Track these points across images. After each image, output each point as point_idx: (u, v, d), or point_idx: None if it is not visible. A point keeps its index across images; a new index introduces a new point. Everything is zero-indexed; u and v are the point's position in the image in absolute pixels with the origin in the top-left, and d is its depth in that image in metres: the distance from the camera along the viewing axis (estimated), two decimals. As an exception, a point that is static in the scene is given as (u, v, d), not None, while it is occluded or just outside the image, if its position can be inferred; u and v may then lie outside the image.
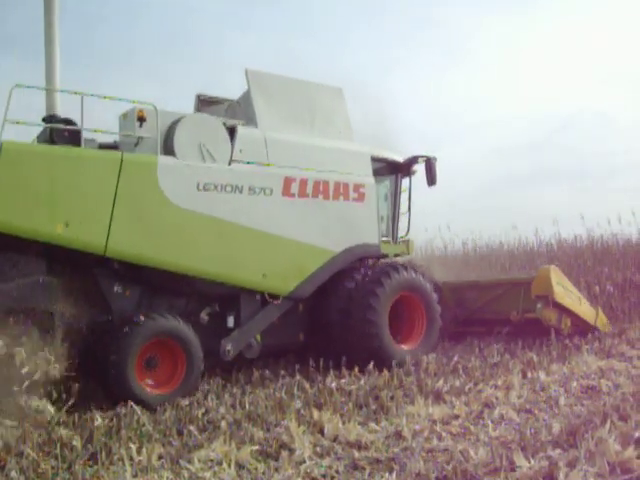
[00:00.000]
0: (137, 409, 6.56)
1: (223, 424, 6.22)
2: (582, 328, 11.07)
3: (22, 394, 6.33)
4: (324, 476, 5.02)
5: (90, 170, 7.97)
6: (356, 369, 8.72)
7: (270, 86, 10.13)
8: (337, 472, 5.09)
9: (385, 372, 8.49)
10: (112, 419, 6.32)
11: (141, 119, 8.54)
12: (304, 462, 5.28)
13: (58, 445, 5.53)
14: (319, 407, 6.76)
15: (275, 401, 7.05)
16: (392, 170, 11.60)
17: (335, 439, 5.86)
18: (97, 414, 6.57)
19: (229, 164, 9.06)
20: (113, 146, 8.87)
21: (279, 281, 9.40)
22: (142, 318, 7.82)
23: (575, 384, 7.67)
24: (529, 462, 4.81)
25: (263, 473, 5.11)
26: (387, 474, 4.90)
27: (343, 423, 6.17)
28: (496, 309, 11.51)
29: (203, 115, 9.41)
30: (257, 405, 6.92)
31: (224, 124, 9.23)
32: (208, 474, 5.06)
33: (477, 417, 6.45)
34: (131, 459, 5.33)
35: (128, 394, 7.35)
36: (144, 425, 6.16)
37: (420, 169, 11.66)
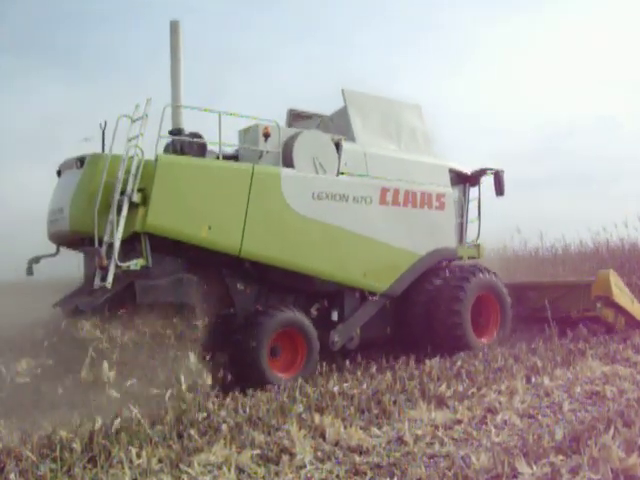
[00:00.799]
0: (137, 412, 6.52)
1: (224, 427, 6.17)
2: (633, 325, 12.32)
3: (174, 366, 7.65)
4: (324, 481, 4.99)
5: (228, 180, 9.13)
6: (359, 373, 8.68)
7: (364, 104, 11.36)
8: (338, 477, 5.06)
9: (388, 376, 8.46)
10: (112, 422, 6.28)
11: (266, 135, 9.71)
12: (305, 467, 5.26)
13: (58, 448, 5.48)
14: (321, 411, 6.72)
15: (277, 405, 7.00)
16: (461, 181, 12.82)
17: (336, 444, 5.82)
18: (98, 417, 6.54)
19: (337, 175, 10.25)
20: (234, 156, 10.16)
21: (376, 280, 10.59)
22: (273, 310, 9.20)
23: (579, 389, 7.62)
24: (531, 468, 4.78)
25: (263, 477, 5.09)
26: (388, 479, 4.86)
27: (345, 427, 6.13)
28: (557, 307, 12.41)
29: (316, 131, 10.59)
30: (258, 409, 6.87)
31: (332, 139, 10.38)
32: (208, 478, 5.05)
33: (480, 422, 6.40)
34: (131, 462, 5.30)
35: (261, 377, 8.57)
36: (144, 428, 6.12)
37: (485, 180, 13.00)
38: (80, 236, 8.69)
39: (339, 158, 10.31)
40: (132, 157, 8.37)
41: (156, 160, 8.50)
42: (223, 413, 6.74)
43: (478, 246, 13.02)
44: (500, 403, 7.00)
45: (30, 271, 9.78)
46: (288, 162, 9.75)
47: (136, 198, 8.26)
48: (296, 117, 11.81)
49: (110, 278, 7.89)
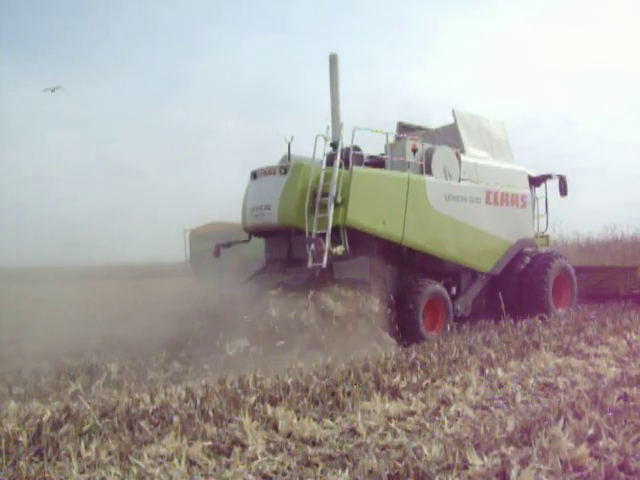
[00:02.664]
0: (86, 403, 6.41)
1: (175, 419, 6.08)
2: None
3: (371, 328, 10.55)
4: (276, 473, 4.94)
5: (394, 185, 11.95)
6: (314, 364, 8.64)
7: (469, 122, 14.35)
8: (289, 468, 5.01)
9: (343, 368, 8.44)
10: (60, 414, 6.17)
11: (414, 150, 12.57)
12: (256, 458, 5.20)
13: (3, 441, 5.35)
14: (274, 403, 6.66)
15: (230, 396, 6.93)
16: (531, 183, 15.71)
17: (289, 435, 5.78)
18: (46, 408, 6.44)
19: (459, 181, 13.19)
20: (381, 163, 12.73)
21: (483, 262, 13.75)
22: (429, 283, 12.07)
23: (532, 381, 7.66)
24: (482, 459, 4.78)
25: (214, 469, 5.01)
26: (340, 471, 4.82)
27: (298, 419, 6.09)
28: (608, 286, 16.31)
29: (445, 147, 13.20)
30: (211, 400, 6.79)
31: (455, 153, 13.27)
32: (157, 470, 4.95)
33: (433, 414, 6.40)
34: (79, 455, 5.19)
35: (418, 333, 11.39)
36: (93, 420, 6.01)
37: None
38: (286, 228, 11.52)
39: (460, 167, 13.22)
40: (334, 169, 11.07)
41: (351, 172, 11.19)
42: (175, 404, 6.64)
43: (547, 236, 16.29)
44: (454, 394, 7.02)
45: (218, 253, 13.07)
46: (428, 171, 12.59)
47: (339, 200, 10.92)
48: (403, 129, 14.38)
49: (325, 260, 10.58)
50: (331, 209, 10.83)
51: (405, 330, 11.31)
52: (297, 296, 10.53)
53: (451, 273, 13.24)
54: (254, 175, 12.10)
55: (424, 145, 12.84)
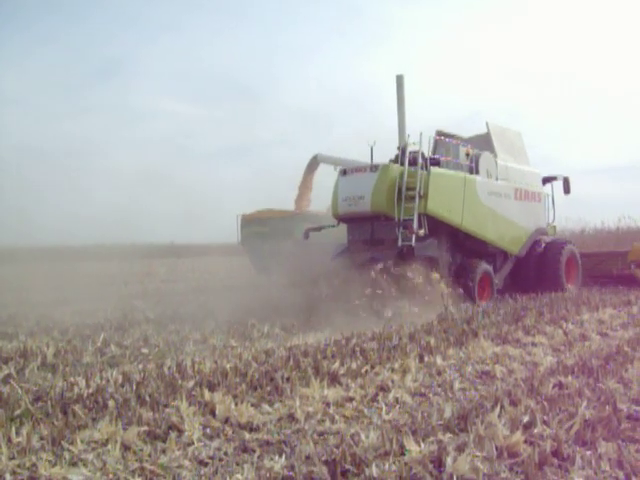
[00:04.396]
0: (17, 387, 6.25)
1: (110, 403, 5.97)
2: None
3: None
4: (212, 458, 4.86)
5: (456, 182, 15.03)
6: (253, 349, 8.59)
7: (499, 132, 17.47)
8: (226, 454, 4.95)
9: (282, 353, 8.41)
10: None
11: (467, 154, 15.91)
12: (192, 444, 5.13)
13: None
14: (212, 388, 6.59)
15: (167, 381, 6.84)
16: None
17: (226, 421, 5.71)
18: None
19: (497, 180, 16.46)
20: (437, 162, 14.87)
21: (513, 245, 17.01)
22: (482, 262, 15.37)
23: (470, 369, 7.72)
24: (419, 446, 4.78)
25: (149, 455, 4.91)
26: (276, 457, 4.79)
27: (235, 404, 6.02)
28: (603, 268, 19.77)
29: (487, 153, 16.29)
30: (147, 384, 6.69)
31: (492, 158, 16.41)
32: (91, 456, 4.84)
33: (372, 400, 6.39)
34: (9, 440, 5.04)
35: (475, 301, 14.38)
36: (25, 404, 5.86)
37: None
38: (376, 214, 14.46)
39: (497, 169, 16.49)
40: (417, 170, 13.98)
41: (429, 172, 14.24)
42: (110, 389, 6.52)
43: (554, 226, 19.59)
44: (393, 381, 7.02)
45: (307, 236, 16.24)
46: (476, 171, 15.77)
47: (422, 193, 13.90)
48: (441, 135, 16.22)
49: (414, 240, 13.64)
50: (416, 201, 13.77)
51: (464, 298, 14.23)
52: (402, 266, 13.69)
53: (491, 254, 16.32)
54: (344, 172, 15.19)
55: (473, 150, 16.08)
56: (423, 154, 14.24)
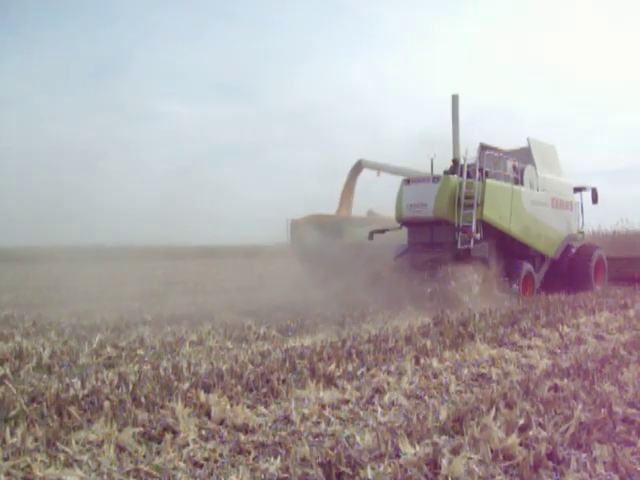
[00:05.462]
0: (12, 388, 6.24)
1: (106, 405, 5.97)
2: None
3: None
4: (207, 460, 4.87)
5: (505, 192, 16.77)
6: (249, 352, 8.57)
7: (538, 147, 19.18)
8: (221, 456, 4.95)
9: (278, 355, 8.41)
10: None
11: (514, 167, 17.53)
12: (188, 445, 5.13)
13: None
14: (208, 389, 6.59)
15: (163, 382, 6.83)
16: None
17: (222, 422, 5.71)
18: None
19: (537, 191, 18.30)
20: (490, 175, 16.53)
21: (550, 249, 18.75)
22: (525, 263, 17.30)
23: (466, 371, 7.73)
24: (414, 448, 4.79)
25: (144, 456, 4.92)
26: (272, 458, 4.79)
27: (231, 406, 6.03)
28: (624, 272, 21.57)
29: (530, 166, 18.14)
30: (143, 385, 6.68)
31: (534, 170, 18.30)
32: (86, 457, 4.84)
33: (367, 402, 6.39)
34: (4, 441, 5.04)
35: (519, 297, 16.05)
36: (20, 405, 5.85)
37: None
38: (437, 220, 16.17)
39: (537, 180, 18.32)
40: (475, 181, 15.76)
41: (484, 183, 16.02)
42: (106, 390, 6.52)
43: (583, 232, 21.14)
44: (388, 383, 7.02)
45: (371, 237, 18.12)
46: (520, 183, 17.59)
47: (479, 201, 15.68)
48: (484, 149, 17.30)
49: (472, 243, 15.47)
50: (475, 208, 15.55)
51: (510, 294, 15.89)
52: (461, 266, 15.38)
53: (531, 256, 17.99)
54: (407, 182, 16.96)
55: (519, 164, 17.78)
56: (480, 168, 16.22)
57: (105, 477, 4.52)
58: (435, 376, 7.51)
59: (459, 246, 15.55)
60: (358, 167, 24.74)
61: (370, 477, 4.32)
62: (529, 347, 9.32)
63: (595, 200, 20.78)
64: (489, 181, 16.22)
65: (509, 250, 17.10)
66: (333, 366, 7.62)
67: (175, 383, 6.80)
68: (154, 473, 4.57)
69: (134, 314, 13.76)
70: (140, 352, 9.02)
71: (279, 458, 4.77)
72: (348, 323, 11.94)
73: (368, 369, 7.69)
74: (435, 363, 8.07)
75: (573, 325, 11.32)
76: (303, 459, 4.69)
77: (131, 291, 20.20)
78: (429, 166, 16.95)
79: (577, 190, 20.72)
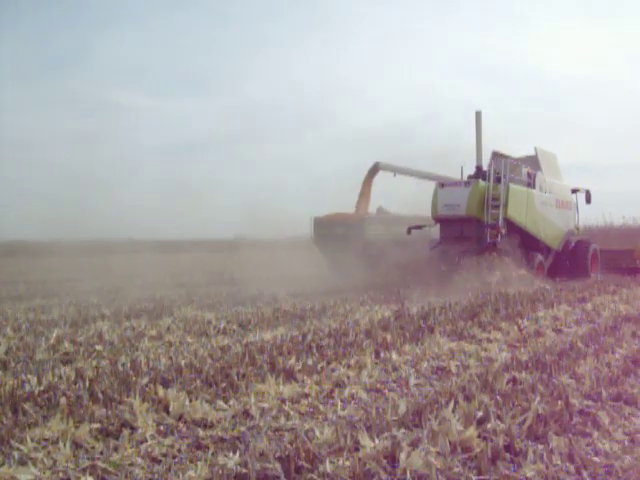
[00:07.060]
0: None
1: (62, 401, 5.88)
2: None
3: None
4: (165, 455, 4.82)
5: (522, 194, 19.77)
6: (209, 347, 8.52)
7: (543, 155, 22.07)
8: (179, 451, 4.90)
9: (238, 349, 8.37)
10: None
11: (529, 173, 20.55)
12: (145, 441, 5.08)
13: None
14: (166, 384, 6.53)
15: (121, 377, 6.76)
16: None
17: (180, 417, 5.66)
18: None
19: (545, 193, 21.23)
20: (497, 179, 19.13)
21: (555, 243, 21.84)
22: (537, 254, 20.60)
23: (426, 365, 7.76)
24: (373, 442, 4.79)
25: (101, 452, 4.85)
26: (230, 453, 4.75)
27: (190, 401, 5.98)
28: (615, 262, 23.88)
29: (540, 172, 21.09)
30: (101, 381, 6.60)
31: (542, 175, 21.20)
32: (41, 454, 4.75)
33: (327, 396, 6.38)
34: (-45, 440, 4.96)
35: (532, 281, 18.44)
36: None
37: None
38: (468, 218, 19.10)
39: (545, 184, 21.23)
40: (500, 185, 18.82)
41: (508, 187, 18.94)
42: (62, 386, 6.43)
43: (578, 228, 24.31)
44: (348, 377, 7.03)
45: (409, 232, 21.13)
46: (532, 186, 20.53)
47: (504, 203, 18.64)
48: (497, 156, 20.32)
49: (499, 238, 18.51)
50: (501, 208, 18.59)
51: (528, 279, 18.39)
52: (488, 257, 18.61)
53: (541, 249, 21.00)
54: (442, 185, 20.00)
55: (532, 170, 20.75)
56: (505, 174, 19.08)
57: (60, 475, 4.45)
58: (395, 369, 7.52)
59: (487, 240, 18.59)
60: (375, 169, 27.29)
61: (329, 471, 4.31)
62: (488, 340, 9.37)
63: (588, 200, 23.69)
64: (512, 185, 19.24)
65: (525, 244, 20.09)
66: (293, 360, 7.60)
67: (133, 378, 6.73)
68: (111, 469, 4.51)
69: (93, 309, 13.62)
70: (98, 347, 8.92)
71: (238, 453, 4.74)
72: (309, 317, 11.88)
73: (328, 363, 7.68)
74: (395, 357, 8.08)
75: (532, 318, 11.42)
76: (262, 454, 4.66)
77: (90, 286, 20.04)
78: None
79: (574, 191, 23.67)
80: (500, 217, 18.65)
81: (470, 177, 20.11)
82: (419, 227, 21.47)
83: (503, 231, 18.69)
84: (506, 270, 18.42)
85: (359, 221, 25.66)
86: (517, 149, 22.43)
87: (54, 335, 9.73)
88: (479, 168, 20.04)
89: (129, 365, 7.43)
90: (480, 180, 19.38)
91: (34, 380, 6.71)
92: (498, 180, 19.17)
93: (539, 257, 20.46)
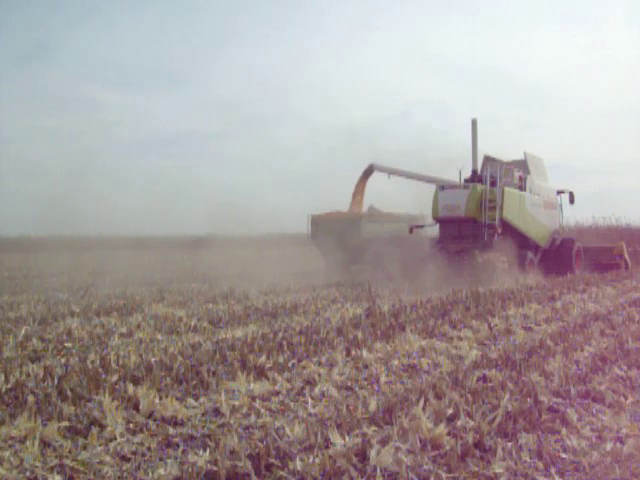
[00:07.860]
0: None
1: (30, 399, 5.82)
2: (627, 267, 25.50)
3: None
4: (135, 453, 4.79)
5: (515, 197, 21.19)
6: (180, 344, 8.48)
7: (532, 159, 23.28)
8: (149, 449, 4.87)
9: (208, 346, 8.34)
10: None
11: (520, 178, 22.08)
12: (115, 439, 5.04)
13: None
14: (136, 382, 6.49)
15: (90, 375, 6.69)
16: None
17: (150, 415, 5.63)
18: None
19: (534, 195, 22.49)
20: (493, 183, 20.66)
21: (542, 240, 22.99)
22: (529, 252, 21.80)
23: (397, 362, 7.77)
24: (344, 439, 4.79)
25: (69, 451, 4.80)
26: (201, 451, 4.73)
27: (160, 399, 5.95)
28: (595, 258, 25.32)
29: (530, 176, 22.42)
30: (70, 379, 6.54)
31: (532, 178, 22.49)
32: (8, 453, 4.70)
33: (298, 394, 6.38)
34: None
35: (536, 276, 20.65)
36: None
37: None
38: (467, 218, 20.32)
39: (534, 187, 22.59)
40: (496, 188, 20.20)
41: (503, 190, 20.32)
42: (30, 384, 6.36)
43: (563, 227, 25.51)
44: (319, 375, 7.02)
45: (411, 231, 22.83)
46: (523, 189, 21.92)
47: (500, 205, 20.00)
48: (488, 160, 22.19)
49: (496, 236, 20.07)
50: (497, 209, 20.00)
51: (521, 273, 19.95)
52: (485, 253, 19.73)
53: (531, 246, 22.25)
54: (442, 187, 21.32)
55: (523, 174, 22.10)
56: (500, 178, 20.65)
57: (28, 474, 4.40)
58: (366, 367, 7.53)
59: (485, 239, 20.15)
60: (370, 170, 27.34)
61: (299, 468, 4.31)
62: (459, 338, 9.42)
63: (572, 201, 24.89)
64: (506, 189, 20.75)
65: (517, 242, 21.29)
66: (264, 358, 7.59)
67: (103, 376, 6.68)
68: (79, 468, 4.47)
69: (62, 306, 13.50)
70: (67, 345, 8.85)
71: (208, 451, 4.72)
72: (280, 314, 11.86)
73: (299, 360, 7.68)
74: (366, 354, 8.09)
75: (502, 317, 11.49)
76: (232, 451, 4.64)
77: (59, 282, 19.87)
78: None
79: (559, 193, 24.99)
80: (497, 217, 20.07)
81: (467, 180, 21.59)
82: (420, 227, 23.41)
83: (499, 230, 20.24)
84: (501, 266, 19.58)
85: (356, 219, 26.49)
86: (488, 150, 23.15)
87: (22, 332, 9.63)
88: (475, 172, 21.54)
89: (99, 362, 7.38)
90: (478, 183, 20.83)
91: (1, 378, 6.61)
92: (492, 184, 20.58)
93: (530, 254, 21.69)
